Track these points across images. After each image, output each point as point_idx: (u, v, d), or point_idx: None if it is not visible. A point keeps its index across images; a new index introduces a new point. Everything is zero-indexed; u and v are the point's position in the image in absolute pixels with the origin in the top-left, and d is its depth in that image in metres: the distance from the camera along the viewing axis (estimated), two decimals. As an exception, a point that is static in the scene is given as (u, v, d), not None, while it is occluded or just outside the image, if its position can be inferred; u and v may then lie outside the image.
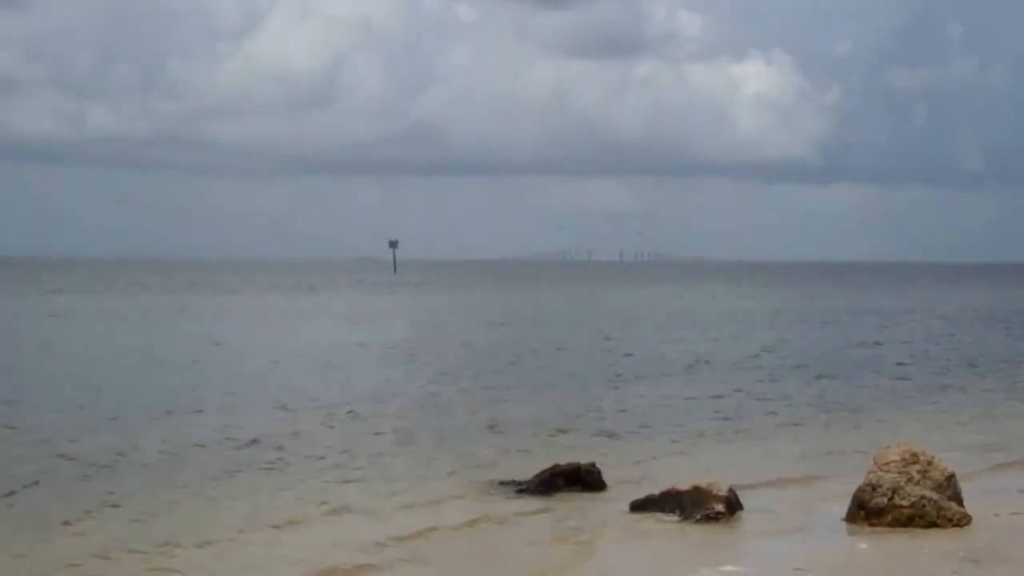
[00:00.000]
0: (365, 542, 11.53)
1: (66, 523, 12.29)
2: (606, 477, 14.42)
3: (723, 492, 12.37)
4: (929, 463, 11.76)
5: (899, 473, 11.68)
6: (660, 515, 12.46)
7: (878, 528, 11.77)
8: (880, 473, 11.77)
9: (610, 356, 33.17)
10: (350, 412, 20.85)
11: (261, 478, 14.89)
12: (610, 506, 13.18)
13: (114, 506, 13.15)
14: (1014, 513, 12.43)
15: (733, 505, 12.46)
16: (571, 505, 13.37)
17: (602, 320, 53.13)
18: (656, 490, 13.14)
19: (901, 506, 11.67)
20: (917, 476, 11.66)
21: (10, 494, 13.65)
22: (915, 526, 11.67)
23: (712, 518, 12.17)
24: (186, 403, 21.75)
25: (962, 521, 11.71)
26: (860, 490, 11.96)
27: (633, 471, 15.38)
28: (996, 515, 12.20)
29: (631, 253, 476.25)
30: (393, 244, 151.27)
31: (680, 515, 12.33)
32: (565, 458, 15.19)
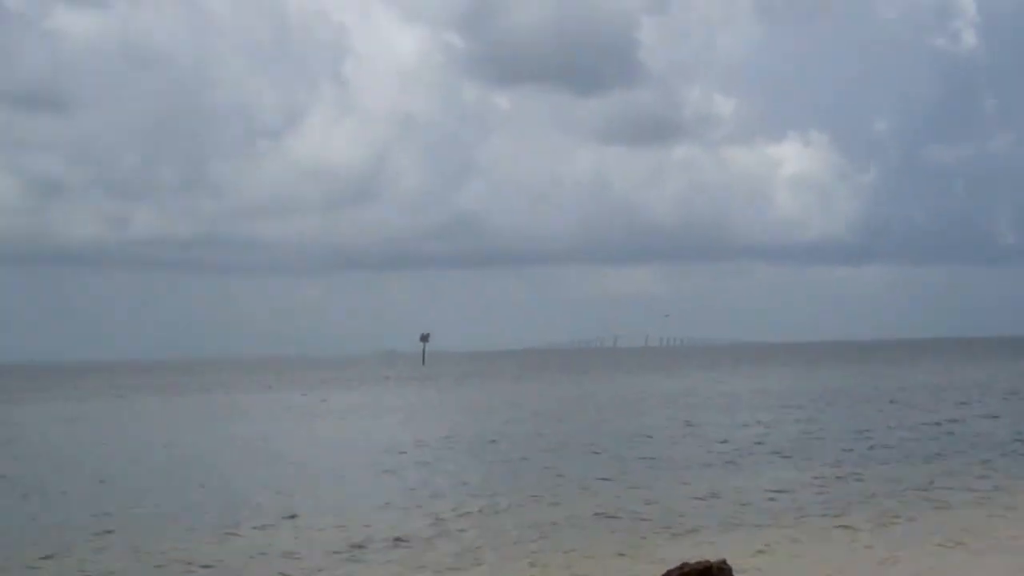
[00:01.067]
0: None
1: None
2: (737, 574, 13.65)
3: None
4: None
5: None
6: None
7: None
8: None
9: (700, 441, 32.40)
10: (455, 510, 20.26)
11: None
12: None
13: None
14: None
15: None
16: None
17: (666, 405, 52.18)
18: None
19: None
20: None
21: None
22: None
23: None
24: (300, 506, 21.54)
25: None
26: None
27: (761, 565, 14.61)
28: None
29: (656, 338, 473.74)
30: (424, 337, 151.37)
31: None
32: (683, 553, 14.49)
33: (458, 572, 15.08)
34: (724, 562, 13.77)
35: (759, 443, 31.65)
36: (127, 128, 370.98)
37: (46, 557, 17.21)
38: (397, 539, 17.46)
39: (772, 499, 20.90)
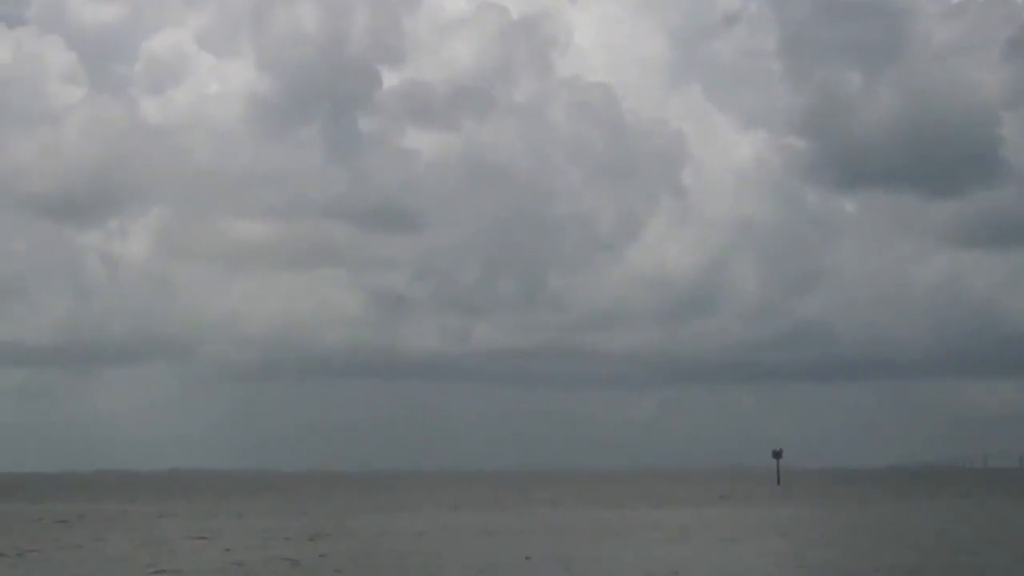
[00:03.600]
0: None
1: None
2: None
3: None
4: None
5: None
6: None
7: None
8: None
9: None
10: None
11: None
12: None
13: None
14: None
15: None
16: None
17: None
18: None
19: None
20: None
21: None
22: None
23: None
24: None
25: None
26: None
27: None
28: None
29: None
30: (777, 454, 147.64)
31: None
32: None
33: None
34: None
35: None
36: (470, 242, 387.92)
37: None
38: None
39: None
